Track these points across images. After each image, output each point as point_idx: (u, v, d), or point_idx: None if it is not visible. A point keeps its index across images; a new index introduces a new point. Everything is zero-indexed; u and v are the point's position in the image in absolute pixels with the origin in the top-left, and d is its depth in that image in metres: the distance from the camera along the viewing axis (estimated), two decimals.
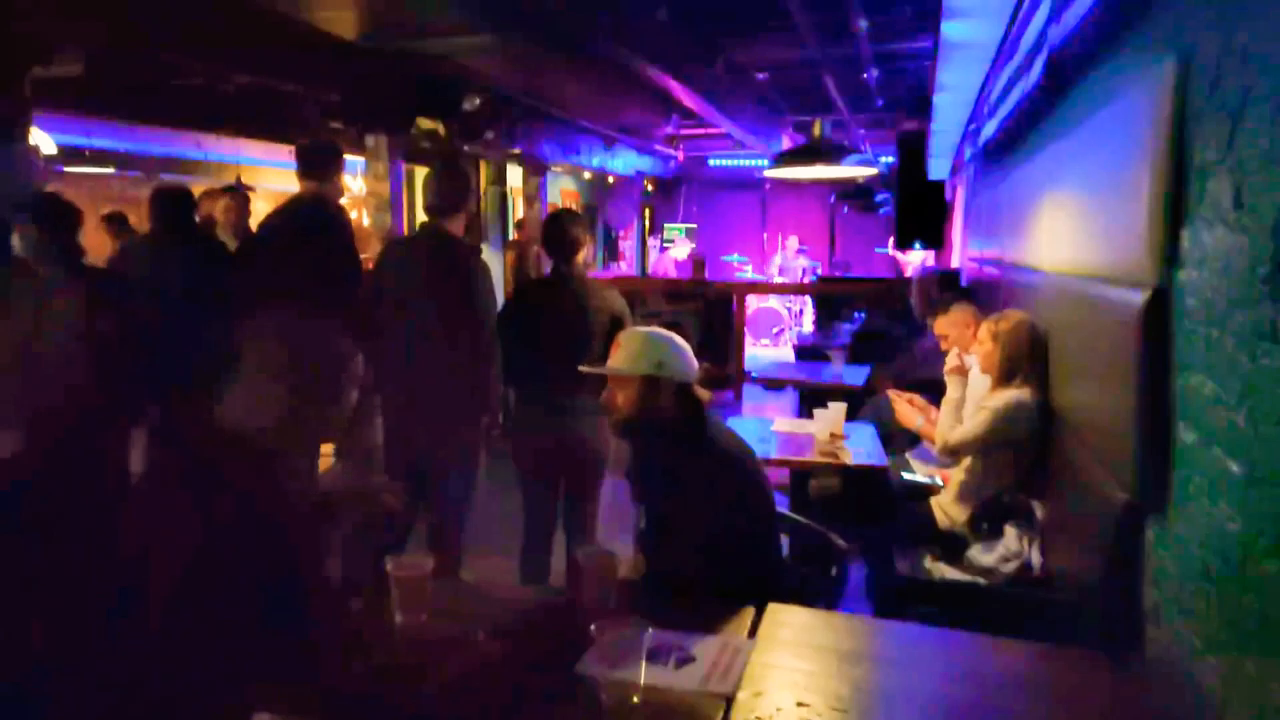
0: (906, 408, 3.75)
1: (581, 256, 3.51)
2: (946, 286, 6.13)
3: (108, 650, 1.45)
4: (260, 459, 1.68)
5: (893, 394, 3.87)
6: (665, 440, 2.26)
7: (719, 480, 2.19)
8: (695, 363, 2.30)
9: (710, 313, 9.15)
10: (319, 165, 3.74)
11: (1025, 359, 3.04)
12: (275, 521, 1.64)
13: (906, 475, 3.73)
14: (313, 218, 3.69)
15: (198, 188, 5.30)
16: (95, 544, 1.54)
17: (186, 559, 1.49)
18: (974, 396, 3.51)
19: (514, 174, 11.43)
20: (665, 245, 14.74)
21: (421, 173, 10.17)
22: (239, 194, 5.93)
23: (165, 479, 1.68)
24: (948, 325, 3.90)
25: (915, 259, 10.76)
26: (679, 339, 2.32)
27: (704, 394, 2.30)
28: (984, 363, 3.21)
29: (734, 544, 2.15)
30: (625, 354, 2.26)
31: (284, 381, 1.73)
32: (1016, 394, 3.00)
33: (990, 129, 4.40)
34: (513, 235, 8.99)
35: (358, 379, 1.93)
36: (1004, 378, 3.09)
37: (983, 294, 5.01)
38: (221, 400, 1.71)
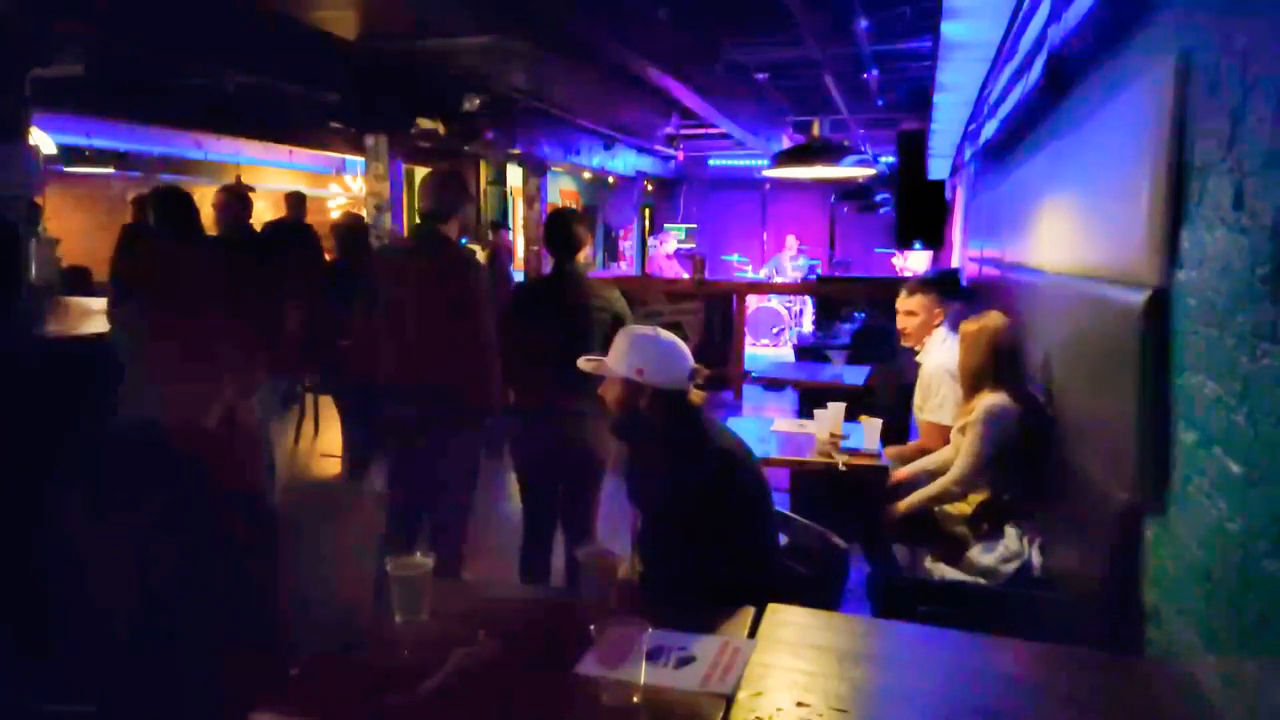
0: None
1: (583, 255, 3.50)
2: (940, 286, 6.13)
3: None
4: None
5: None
6: (657, 441, 2.24)
7: (713, 481, 2.18)
8: (685, 368, 2.22)
9: (710, 313, 9.15)
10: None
11: (989, 367, 3.01)
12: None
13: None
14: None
15: (198, 188, 5.29)
16: None
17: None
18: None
19: (514, 174, 11.43)
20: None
21: (422, 173, 10.19)
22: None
23: None
24: (916, 305, 3.90)
25: (914, 263, 10.78)
26: (666, 343, 2.23)
27: (696, 396, 2.25)
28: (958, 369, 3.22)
29: (730, 544, 2.14)
30: (614, 352, 2.24)
31: None
32: (991, 399, 2.97)
33: (990, 129, 4.40)
34: (488, 236, 8.93)
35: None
36: (971, 388, 3.08)
37: (983, 294, 5.01)
38: None
